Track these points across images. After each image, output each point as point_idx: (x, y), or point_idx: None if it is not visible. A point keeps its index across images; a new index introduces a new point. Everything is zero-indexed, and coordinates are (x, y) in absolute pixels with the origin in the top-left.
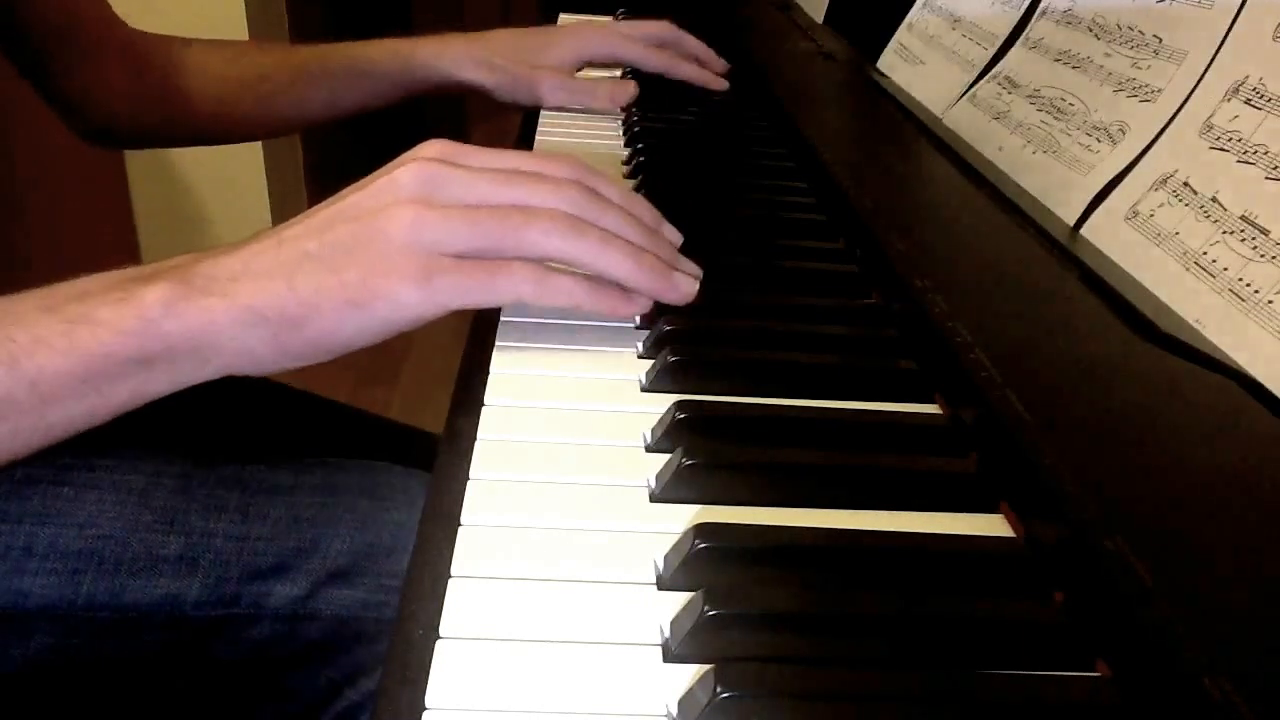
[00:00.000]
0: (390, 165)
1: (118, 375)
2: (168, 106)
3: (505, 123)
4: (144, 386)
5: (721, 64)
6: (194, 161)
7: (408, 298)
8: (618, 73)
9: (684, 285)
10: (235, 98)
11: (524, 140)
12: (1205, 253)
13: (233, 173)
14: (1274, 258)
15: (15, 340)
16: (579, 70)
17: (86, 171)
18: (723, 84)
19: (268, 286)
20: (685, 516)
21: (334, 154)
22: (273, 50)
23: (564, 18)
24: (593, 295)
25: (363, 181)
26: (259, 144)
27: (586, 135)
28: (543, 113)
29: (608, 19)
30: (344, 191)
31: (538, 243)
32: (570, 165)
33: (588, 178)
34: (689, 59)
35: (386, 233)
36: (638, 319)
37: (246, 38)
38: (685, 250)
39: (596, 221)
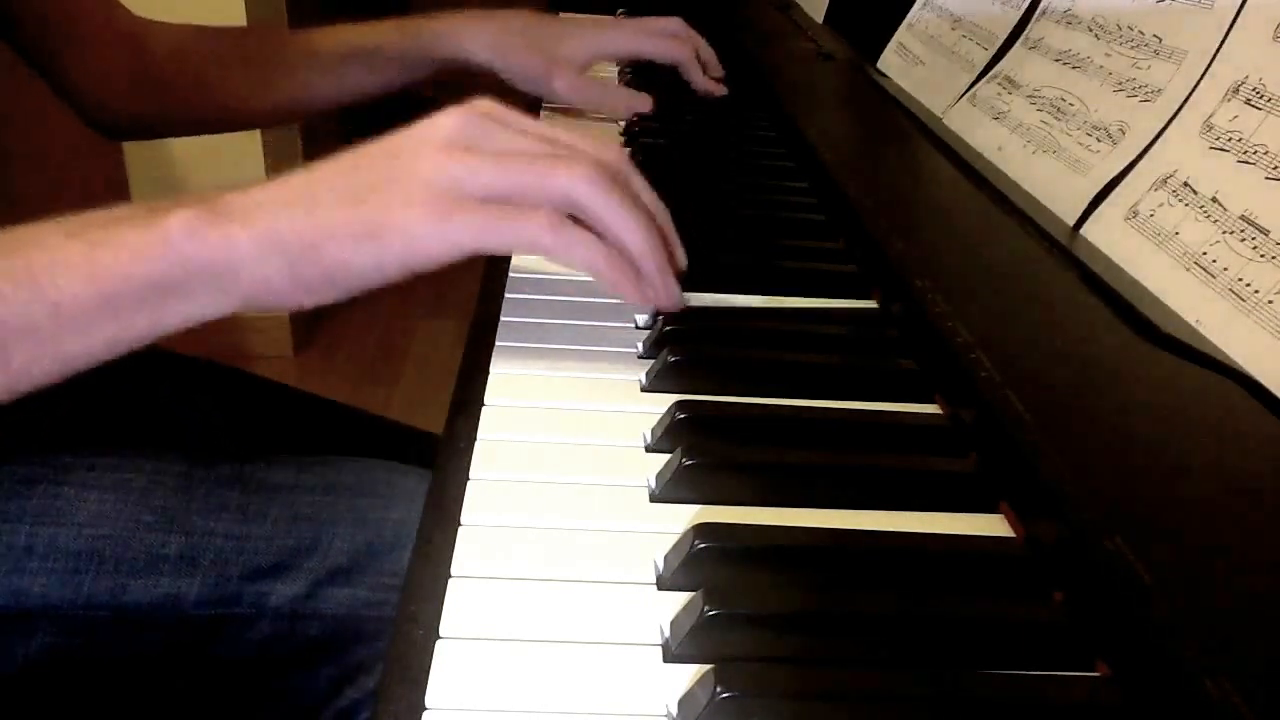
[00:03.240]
0: (441, 112)
1: (138, 301)
2: (170, 95)
3: (508, 101)
4: (163, 316)
5: (721, 72)
6: (193, 156)
7: (422, 233)
8: (614, 69)
9: (680, 297)
10: (236, 84)
11: None
12: (1205, 253)
13: (232, 167)
14: (1274, 258)
15: (37, 263)
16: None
17: (85, 166)
18: (723, 90)
19: (288, 214)
20: (685, 516)
21: (334, 148)
22: (273, 35)
23: (563, 16)
24: (610, 262)
25: (409, 127)
26: (259, 139)
27: (586, 130)
28: (544, 104)
29: (609, 19)
30: (389, 134)
31: (564, 188)
32: (616, 149)
33: (627, 165)
34: (697, 62)
35: (412, 169)
36: (637, 320)
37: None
38: (686, 250)
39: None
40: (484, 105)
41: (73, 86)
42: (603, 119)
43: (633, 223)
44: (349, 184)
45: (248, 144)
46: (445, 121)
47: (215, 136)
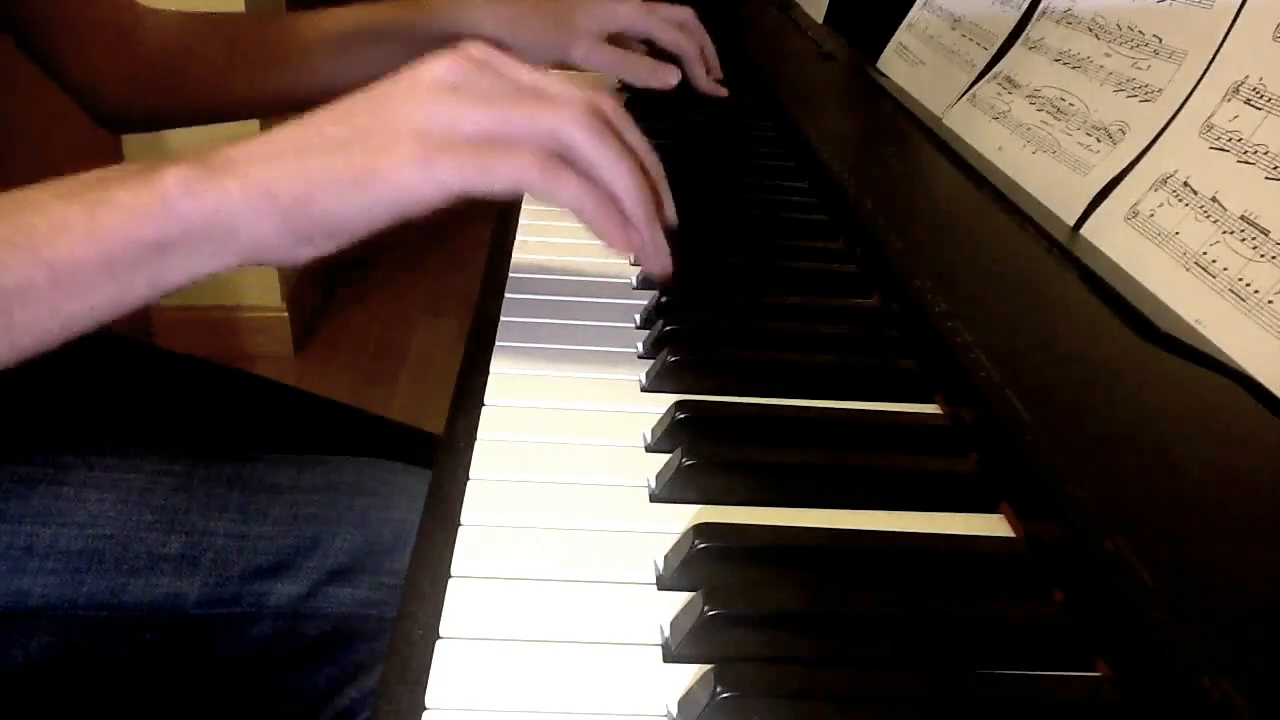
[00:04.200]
0: (431, 55)
1: (136, 260)
2: (168, 83)
3: None
4: (161, 275)
5: (721, 75)
6: (192, 141)
7: (407, 176)
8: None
9: (668, 259)
10: (236, 71)
11: None
12: (1205, 253)
13: None
14: (1274, 258)
15: (34, 226)
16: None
17: (85, 167)
18: (722, 91)
19: (281, 165)
20: (685, 516)
21: None
22: (274, 19)
23: None
24: (598, 206)
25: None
26: (257, 125)
27: None
28: None
29: None
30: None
31: (553, 127)
32: (609, 96)
33: (620, 112)
34: (701, 59)
35: (398, 113)
36: (637, 320)
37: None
38: (686, 250)
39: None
40: (476, 50)
41: (72, 79)
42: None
43: (623, 167)
44: (336, 132)
45: (247, 129)
46: (434, 66)
47: (215, 132)
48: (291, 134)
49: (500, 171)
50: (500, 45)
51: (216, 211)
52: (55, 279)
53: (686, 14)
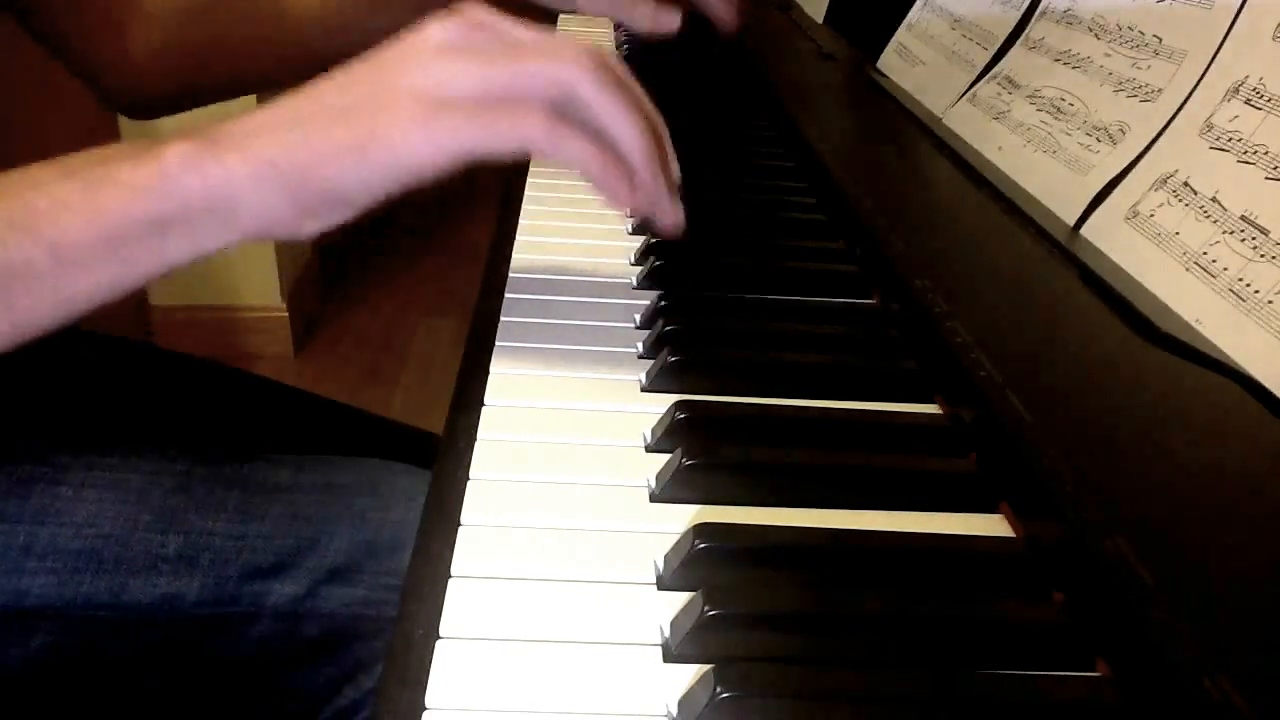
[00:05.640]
0: (428, 20)
1: (137, 237)
2: (188, 69)
3: None
4: (164, 252)
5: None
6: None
7: (407, 140)
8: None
9: (678, 211)
10: (246, 51)
11: None
12: (1205, 253)
13: None
14: (1274, 258)
15: (35, 205)
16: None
17: (80, 146)
18: (734, 22)
19: (282, 137)
20: (685, 516)
21: None
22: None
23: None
24: (604, 165)
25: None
26: None
27: None
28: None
29: None
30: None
31: (557, 77)
32: (613, 55)
33: (623, 68)
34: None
35: (397, 78)
36: (637, 320)
37: None
38: (686, 250)
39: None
40: (475, 13)
41: (93, 68)
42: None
43: (630, 118)
44: (336, 100)
45: None
46: (433, 29)
47: (214, 118)
48: (291, 105)
49: (503, 131)
50: None
51: (219, 186)
52: (56, 258)
53: None
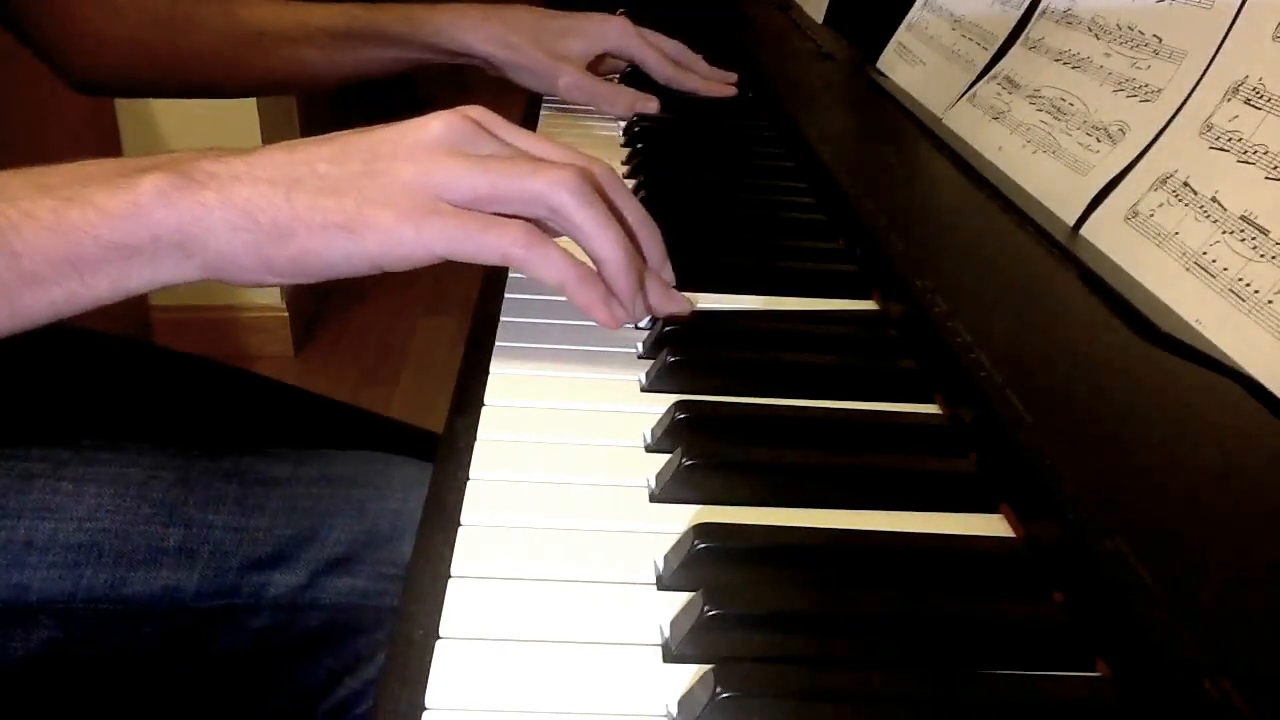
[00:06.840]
0: (430, 115)
1: (101, 262)
2: (153, 59)
3: (507, 98)
4: (125, 279)
5: (729, 76)
6: (190, 134)
7: (398, 234)
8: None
9: (678, 304)
10: (227, 51)
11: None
12: (1205, 253)
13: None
14: (1274, 258)
15: (3, 214)
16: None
17: (79, 143)
18: (730, 91)
19: (265, 192)
20: (685, 516)
21: (330, 128)
22: (272, 5)
23: (565, 13)
24: (580, 281)
25: (398, 123)
26: (256, 118)
27: (587, 130)
28: (545, 100)
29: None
30: (377, 127)
31: (542, 193)
32: (604, 163)
33: (613, 178)
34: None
35: (395, 169)
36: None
37: None
38: (686, 250)
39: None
40: (474, 112)
41: (51, 46)
42: (605, 120)
43: (609, 236)
44: (330, 172)
45: (245, 121)
46: (433, 125)
47: (212, 117)
48: (282, 161)
49: (488, 243)
50: (488, 64)
51: (190, 224)
52: (16, 268)
53: (679, 46)
